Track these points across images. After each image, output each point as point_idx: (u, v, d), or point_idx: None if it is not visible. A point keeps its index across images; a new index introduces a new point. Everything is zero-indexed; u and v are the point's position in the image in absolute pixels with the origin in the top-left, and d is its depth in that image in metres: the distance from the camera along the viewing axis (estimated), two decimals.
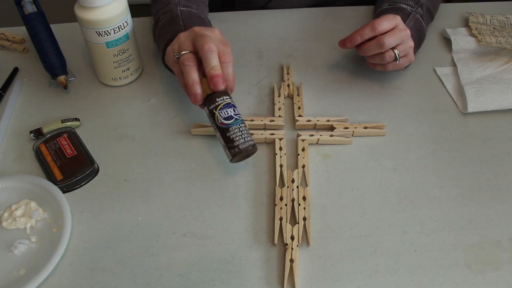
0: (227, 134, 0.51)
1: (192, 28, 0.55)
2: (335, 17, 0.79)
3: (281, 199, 0.53)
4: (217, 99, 0.52)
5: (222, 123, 0.52)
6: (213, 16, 0.79)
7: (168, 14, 0.62)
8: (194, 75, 0.53)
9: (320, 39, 0.75)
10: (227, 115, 0.52)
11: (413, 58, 0.64)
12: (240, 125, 0.52)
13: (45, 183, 0.53)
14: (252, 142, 0.52)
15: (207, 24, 0.64)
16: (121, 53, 0.62)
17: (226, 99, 0.52)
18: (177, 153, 0.59)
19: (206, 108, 0.53)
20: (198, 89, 0.52)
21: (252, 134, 0.59)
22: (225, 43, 0.55)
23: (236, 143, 0.51)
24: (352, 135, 0.60)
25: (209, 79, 0.52)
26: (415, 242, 0.50)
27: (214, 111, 0.52)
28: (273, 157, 0.58)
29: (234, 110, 0.52)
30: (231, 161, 0.53)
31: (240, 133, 0.51)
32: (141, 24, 0.77)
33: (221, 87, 0.52)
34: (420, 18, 0.66)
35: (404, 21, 0.63)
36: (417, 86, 0.68)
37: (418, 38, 0.66)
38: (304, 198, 0.53)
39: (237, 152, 0.51)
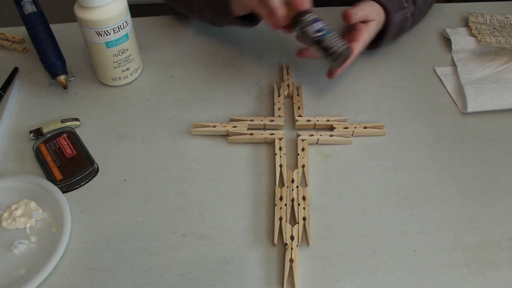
0: (322, 45, 0.56)
1: None
2: (336, 17, 0.79)
3: (281, 199, 0.53)
4: (303, 18, 0.56)
5: (315, 36, 0.56)
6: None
7: None
8: None
9: None
10: (318, 28, 0.56)
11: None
12: (332, 33, 0.56)
13: (45, 183, 0.53)
14: (346, 45, 0.56)
15: None
16: (120, 53, 0.62)
17: (311, 15, 0.56)
18: (177, 153, 0.59)
19: (298, 28, 0.57)
20: (284, 11, 0.55)
21: (252, 133, 0.59)
22: None
23: (334, 49, 0.56)
24: (352, 135, 0.60)
25: (293, 1, 0.55)
26: (415, 242, 0.50)
27: (306, 28, 0.56)
28: (273, 157, 0.58)
29: (322, 23, 0.56)
30: (333, 66, 0.59)
31: (334, 40, 0.56)
32: (141, 24, 0.77)
33: (307, 5, 0.56)
34: (409, 17, 0.67)
35: (396, 11, 0.64)
36: (417, 86, 0.68)
37: (393, 34, 0.67)
38: (304, 198, 0.53)
39: (337, 56, 0.56)
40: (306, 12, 0.56)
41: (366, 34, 0.61)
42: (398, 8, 0.65)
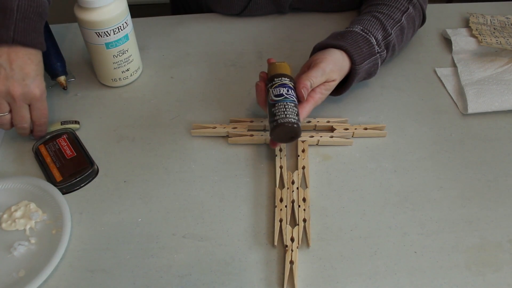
0: (272, 110, 0.52)
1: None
2: (335, 19, 0.79)
3: (281, 200, 0.53)
4: (275, 79, 0.54)
5: (272, 100, 0.53)
6: (214, 18, 0.79)
7: None
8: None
9: (319, 39, 0.75)
10: (278, 93, 0.52)
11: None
12: (288, 103, 0.52)
13: (45, 185, 0.53)
14: (293, 121, 0.51)
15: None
16: (120, 54, 0.62)
17: (284, 79, 0.54)
18: (177, 154, 0.59)
19: (268, 87, 0.55)
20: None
21: (252, 135, 0.59)
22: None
23: (276, 118, 0.51)
24: (352, 136, 0.60)
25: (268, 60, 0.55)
26: (415, 244, 0.50)
27: (269, 89, 0.54)
28: (273, 158, 0.58)
29: (288, 90, 0.53)
30: (270, 135, 0.53)
31: (284, 110, 0.51)
32: (141, 24, 0.77)
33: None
34: (379, 63, 0.62)
35: (363, 60, 0.59)
36: (417, 87, 0.67)
37: (358, 81, 0.62)
38: (304, 200, 0.53)
39: (274, 126, 0.51)
40: (282, 76, 0.54)
41: (319, 95, 0.56)
42: (367, 55, 0.59)
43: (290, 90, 0.53)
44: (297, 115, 0.52)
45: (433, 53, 0.73)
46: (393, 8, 0.65)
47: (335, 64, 0.56)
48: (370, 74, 0.63)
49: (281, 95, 0.52)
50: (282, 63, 0.56)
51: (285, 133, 0.52)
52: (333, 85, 0.57)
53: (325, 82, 0.56)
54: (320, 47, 0.60)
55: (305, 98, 0.54)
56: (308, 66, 0.58)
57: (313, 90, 0.56)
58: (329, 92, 0.58)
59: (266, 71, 0.57)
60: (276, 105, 0.52)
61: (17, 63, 0.52)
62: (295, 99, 0.53)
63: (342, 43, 0.58)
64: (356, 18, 0.66)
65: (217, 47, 0.74)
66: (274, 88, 0.53)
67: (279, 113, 0.51)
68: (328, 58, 0.56)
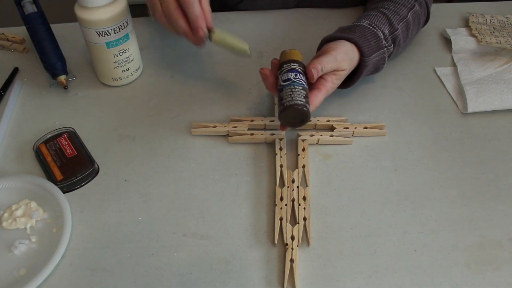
0: (280, 94, 0.52)
1: None
2: (335, 17, 0.79)
3: (281, 199, 0.53)
4: (284, 66, 0.54)
5: (280, 85, 0.53)
6: (214, 17, 0.78)
7: None
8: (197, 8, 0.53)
9: (320, 39, 0.75)
10: (286, 78, 0.52)
11: None
12: (295, 86, 0.51)
13: (45, 183, 0.53)
14: (300, 103, 0.50)
15: None
16: (121, 53, 0.62)
17: (292, 65, 0.53)
18: (177, 153, 0.59)
19: (278, 72, 0.55)
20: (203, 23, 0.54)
21: (253, 134, 0.59)
22: None
23: (283, 101, 0.51)
24: (352, 135, 0.60)
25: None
26: (415, 242, 0.50)
27: (278, 76, 0.54)
28: (273, 157, 0.58)
29: (296, 75, 0.52)
30: (279, 119, 0.53)
31: (291, 93, 0.51)
32: (141, 24, 0.77)
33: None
34: (386, 57, 0.62)
35: (372, 52, 0.59)
36: (417, 86, 0.68)
37: (366, 74, 0.63)
38: (304, 198, 0.53)
39: (281, 110, 0.51)
40: (292, 62, 0.54)
41: (330, 85, 0.56)
42: (375, 48, 0.60)
43: (298, 74, 0.53)
44: (305, 97, 0.51)
45: (433, 53, 0.73)
46: (399, 5, 0.65)
47: (346, 54, 0.57)
48: (377, 68, 0.63)
49: (289, 79, 0.52)
50: (292, 50, 0.56)
51: (293, 116, 0.51)
52: (344, 74, 0.57)
53: (335, 71, 0.56)
54: (329, 40, 0.61)
55: (314, 78, 0.54)
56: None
57: (324, 79, 0.56)
58: (340, 82, 0.58)
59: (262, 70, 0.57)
60: (283, 89, 0.52)
61: None
62: (304, 83, 0.53)
63: (351, 35, 0.59)
64: (363, 14, 0.67)
65: (217, 47, 0.74)
66: (282, 74, 0.53)
67: (286, 97, 0.51)
68: (339, 47, 0.57)
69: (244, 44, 0.57)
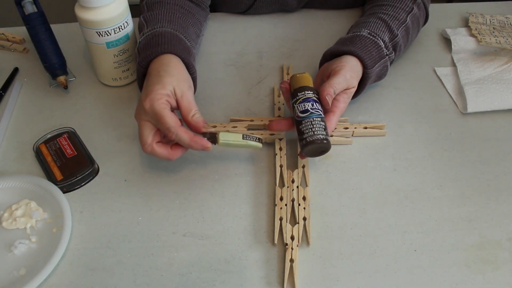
0: (299, 127, 0.52)
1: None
2: (335, 18, 0.79)
3: (281, 199, 0.53)
4: (298, 94, 0.53)
5: (298, 116, 0.52)
6: (214, 17, 0.79)
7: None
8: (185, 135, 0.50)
9: (319, 39, 0.75)
10: (303, 109, 0.52)
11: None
12: (314, 118, 0.51)
13: (45, 183, 0.53)
14: (322, 137, 0.50)
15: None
16: (121, 54, 0.62)
17: (307, 93, 0.53)
18: None
19: (292, 102, 0.54)
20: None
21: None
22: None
23: (305, 136, 0.51)
24: (352, 135, 0.60)
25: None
26: (415, 242, 0.50)
27: (294, 106, 0.53)
28: (273, 157, 0.58)
29: (312, 105, 0.52)
30: (302, 152, 0.52)
31: (311, 126, 0.51)
32: None
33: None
34: (388, 65, 0.62)
35: (374, 63, 0.59)
36: (417, 86, 0.68)
37: (371, 83, 0.62)
38: (304, 198, 0.53)
39: (304, 145, 0.51)
40: (305, 89, 0.53)
41: (343, 105, 0.56)
42: (377, 59, 0.59)
43: (314, 103, 0.52)
44: (325, 129, 0.51)
45: (433, 53, 0.73)
46: (398, 9, 0.65)
47: (353, 71, 0.56)
48: (380, 76, 0.63)
49: (307, 110, 0.52)
50: (303, 75, 0.55)
51: (315, 149, 0.52)
52: (353, 91, 0.57)
53: (346, 89, 0.56)
54: (331, 54, 0.60)
55: (330, 104, 0.53)
56: (323, 75, 0.58)
57: (336, 100, 0.55)
58: (350, 98, 0.57)
59: (282, 84, 0.56)
60: (303, 122, 0.51)
61: None
62: (321, 112, 0.52)
63: (352, 48, 0.58)
64: (361, 20, 0.66)
65: (217, 47, 0.74)
66: (298, 104, 0.52)
67: (307, 131, 0.51)
68: (347, 65, 0.56)
69: (251, 141, 0.52)
